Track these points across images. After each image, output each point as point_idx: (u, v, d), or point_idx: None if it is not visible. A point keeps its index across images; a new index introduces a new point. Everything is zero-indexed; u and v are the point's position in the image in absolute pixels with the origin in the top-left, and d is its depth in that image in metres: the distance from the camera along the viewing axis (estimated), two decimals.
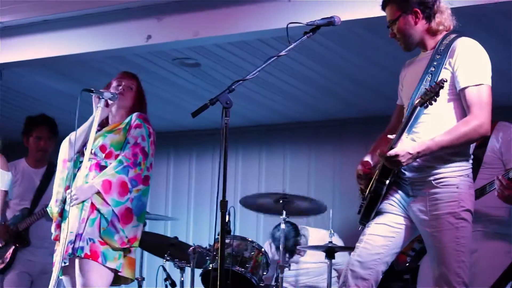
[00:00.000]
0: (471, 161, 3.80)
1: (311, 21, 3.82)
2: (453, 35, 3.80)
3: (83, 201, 4.42)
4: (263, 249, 5.56)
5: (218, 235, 3.73)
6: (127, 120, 4.67)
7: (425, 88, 3.62)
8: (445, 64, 3.72)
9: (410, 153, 3.61)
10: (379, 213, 3.82)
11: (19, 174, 6.08)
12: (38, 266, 5.79)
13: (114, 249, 4.42)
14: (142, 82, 4.78)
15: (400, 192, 3.81)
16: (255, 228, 7.60)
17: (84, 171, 4.50)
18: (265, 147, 7.93)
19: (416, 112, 3.67)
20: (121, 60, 6.20)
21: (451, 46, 3.73)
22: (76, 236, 4.39)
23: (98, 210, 4.41)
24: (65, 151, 4.64)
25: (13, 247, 5.91)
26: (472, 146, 3.85)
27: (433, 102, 3.58)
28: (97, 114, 4.55)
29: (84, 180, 4.48)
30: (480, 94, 3.65)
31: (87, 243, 4.37)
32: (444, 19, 3.83)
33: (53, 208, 4.56)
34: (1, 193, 5.55)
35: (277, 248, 5.91)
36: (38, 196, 5.99)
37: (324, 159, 7.62)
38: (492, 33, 5.34)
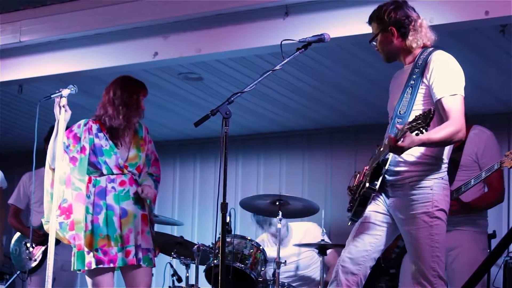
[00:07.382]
0: (445, 165, 3.74)
1: (303, 38, 3.83)
2: (430, 49, 3.76)
3: (134, 214, 4.49)
4: (261, 247, 5.54)
5: (220, 234, 3.72)
6: (141, 134, 4.68)
7: (415, 116, 3.42)
8: (423, 78, 3.68)
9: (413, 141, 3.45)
10: (367, 212, 3.80)
11: (39, 180, 6.06)
12: (58, 263, 5.75)
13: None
14: (150, 95, 4.76)
15: (383, 194, 3.80)
16: (254, 228, 7.57)
17: (124, 184, 4.55)
18: (263, 154, 7.91)
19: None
20: (131, 75, 6.20)
21: (427, 60, 3.69)
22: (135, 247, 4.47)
23: (150, 222, 4.54)
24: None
25: (43, 248, 5.90)
26: (450, 150, 3.80)
27: (424, 131, 3.40)
28: (62, 114, 4.36)
29: (126, 194, 4.52)
30: (456, 103, 3.60)
31: (151, 253, 4.52)
32: (420, 37, 3.78)
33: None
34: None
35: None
36: None
37: (317, 164, 7.61)
38: (469, 47, 5.35)
